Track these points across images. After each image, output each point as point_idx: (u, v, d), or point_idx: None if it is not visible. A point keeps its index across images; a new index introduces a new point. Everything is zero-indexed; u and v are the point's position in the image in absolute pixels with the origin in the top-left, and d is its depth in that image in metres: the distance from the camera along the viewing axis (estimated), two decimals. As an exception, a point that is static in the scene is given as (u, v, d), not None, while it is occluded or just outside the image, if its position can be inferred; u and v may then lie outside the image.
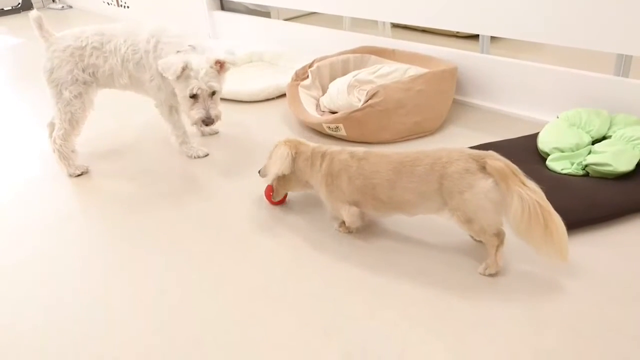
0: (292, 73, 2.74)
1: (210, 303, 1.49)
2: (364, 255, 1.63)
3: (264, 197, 1.90)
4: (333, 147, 1.70)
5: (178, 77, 1.93)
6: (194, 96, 1.97)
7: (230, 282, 1.56)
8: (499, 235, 1.46)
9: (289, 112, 2.60)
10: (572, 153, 1.92)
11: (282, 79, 2.90)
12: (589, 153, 1.91)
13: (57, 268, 1.69)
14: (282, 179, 1.77)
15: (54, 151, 2.19)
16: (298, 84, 2.65)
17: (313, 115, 2.47)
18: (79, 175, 2.21)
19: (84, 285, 1.61)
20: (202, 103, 1.99)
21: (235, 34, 3.86)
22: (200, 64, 1.94)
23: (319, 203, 1.86)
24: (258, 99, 2.87)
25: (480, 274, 1.50)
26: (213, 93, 2.01)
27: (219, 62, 2.00)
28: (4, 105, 3.15)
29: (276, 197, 1.87)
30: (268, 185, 1.86)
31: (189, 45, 2.02)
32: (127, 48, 2.08)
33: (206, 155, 2.29)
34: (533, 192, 1.35)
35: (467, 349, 1.28)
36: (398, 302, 1.43)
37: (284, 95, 2.78)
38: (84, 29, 2.14)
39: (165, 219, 1.90)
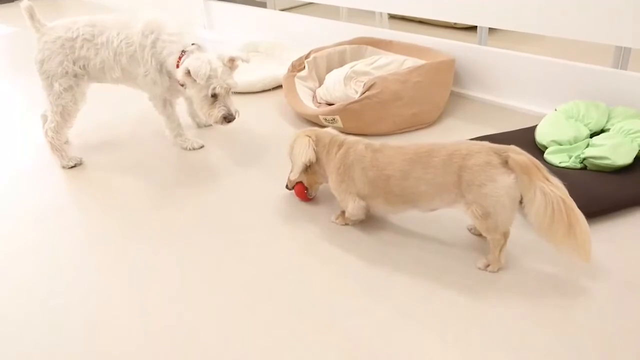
0: (288, 64, 2.72)
1: (205, 295, 1.48)
2: (361, 248, 1.62)
3: (296, 197, 1.85)
4: (351, 137, 1.68)
5: (192, 79, 1.93)
6: (214, 95, 1.98)
7: (225, 275, 1.55)
8: (506, 235, 1.45)
9: (285, 103, 2.58)
10: (570, 146, 1.91)
11: (278, 70, 2.87)
12: (587, 146, 1.90)
13: (51, 259, 1.67)
14: (309, 170, 1.72)
15: (47, 143, 2.17)
16: (294, 75, 2.63)
17: (309, 106, 2.45)
18: (72, 166, 2.19)
19: (78, 276, 1.59)
20: (222, 101, 2.00)
21: (231, 24, 3.82)
22: (217, 62, 1.95)
23: (313, 198, 1.85)
24: (254, 90, 2.85)
25: (480, 269, 1.49)
26: (228, 90, 2.02)
27: (232, 59, 2.01)
28: (-4, 96, 3.12)
29: (312, 192, 1.83)
30: (297, 185, 1.81)
31: (193, 44, 2.00)
32: (121, 41, 2.04)
33: (201, 147, 2.28)
34: (557, 187, 1.31)
35: (465, 344, 1.27)
36: (396, 297, 1.42)
37: (280, 86, 2.76)
38: (75, 19, 2.10)
39: (159, 210, 1.88)
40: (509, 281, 1.45)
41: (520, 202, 1.39)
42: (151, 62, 2.03)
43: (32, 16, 2.06)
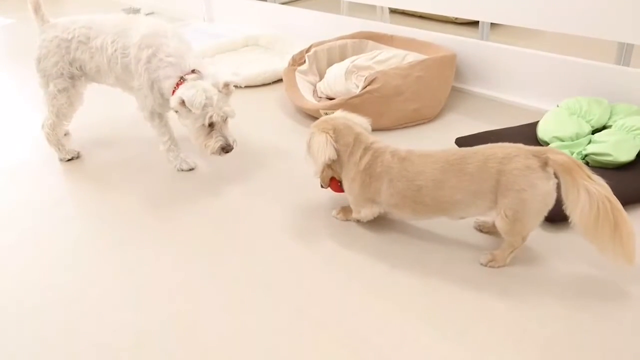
0: (288, 58, 2.70)
1: (204, 289, 1.47)
2: (362, 244, 1.61)
3: (332, 191, 1.72)
4: (377, 142, 1.56)
5: (186, 108, 1.80)
6: (211, 124, 1.86)
7: (223, 270, 1.54)
8: (524, 239, 1.43)
9: (286, 97, 2.56)
10: (572, 142, 1.90)
11: (278, 64, 2.86)
12: (589, 142, 1.89)
13: (48, 252, 1.66)
14: (332, 166, 1.60)
15: (44, 136, 2.15)
16: (295, 69, 2.62)
17: (310, 101, 2.43)
18: (69, 159, 2.18)
19: (75, 268, 1.58)
20: (218, 131, 1.87)
21: (231, 17, 3.80)
22: (212, 90, 1.83)
23: (313, 191, 1.84)
24: (254, 84, 2.83)
25: (482, 264, 1.48)
26: (225, 119, 1.90)
27: (227, 85, 1.90)
28: (-6, 87, 3.10)
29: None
30: (331, 180, 1.66)
31: (193, 71, 1.88)
32: (115, 50, 1.95)
33: (191, 170, 2.09)
34: (601, 186, 1.27)
35: (467, 341, 1.26)
36: (397, 292, 1.42)
37: (280, 80, 2.74)
38: (76, 18, 2.05)
39: (158, 205, 1.87)
40: (511, 276, 1.44)
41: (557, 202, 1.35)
42: (144, 76, 1.92)
43: (36, 10, 2.03)
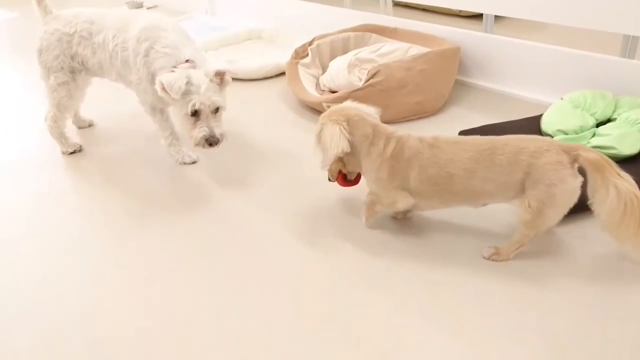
0: (291, 51, 2.69)
1: (205, 284, 1.47)
2: (362, 238, 1.61)
3: (338, 184, 1.67)
4: (396, 131, 1.52)
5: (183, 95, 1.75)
6: (195, 113, 1.77)
7: (225, 265, 1.54)
8: (537, 235, 1.43)
9: (288, 90, 2.55)
10: (576, 135, 1.89)
11: (281, 57, 2.85)
12: (593, 136, 1.88)
13: (50, 245, 1.66)
14: (342, 160, 1.56)
15: (47, 129, 2.15)
16: (298, 62, 2.61)
17: (313, 94, 2.43)
18: (72, 152, 2.18)
19: (77, 262, 1.58)
20: (204, 121, 1.78)
21: (234, 10, 3.78)
22: (200, 78, 1.76)
23: (315, 185, 1.84)
24: (256, 77, 2.82)
25: (485, 258, 1.48)
26: (216, 110, 1.82)
27: (220, 74, 1.81)
28: (-3, 81, 3.10)
29: (352, 175, 1.64)
30: (339, 174, 1.62)
31: (187, 61, 1.83)
32: (116, 45, 1.93)
33: (193, 163, 2.07)
34: (629, 183, 1.29)
35: (469, 335, 1.26)
36: (397, 287, 1.41)
37: (283, 73, 2.73)
38: (78, 12, 2.04)
39: (160, 200, 1.87)
40: (512, 270, 1.44)
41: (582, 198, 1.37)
42: (142, 70, 1.89)
43: (39, 1, 2.02)
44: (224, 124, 1.85)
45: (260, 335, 1.29)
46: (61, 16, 2.04)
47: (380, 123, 1.54)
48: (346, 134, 1.47)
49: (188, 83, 1.74)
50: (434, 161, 1.43)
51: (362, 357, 1.22)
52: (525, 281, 1.40)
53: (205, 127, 1.78)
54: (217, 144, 1.80)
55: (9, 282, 1.52)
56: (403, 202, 1.51)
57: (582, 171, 1.35)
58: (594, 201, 1.34)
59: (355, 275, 1.46)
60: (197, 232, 1.68)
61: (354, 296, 1.39)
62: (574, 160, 1.34)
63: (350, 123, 1.50)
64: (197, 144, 1.81)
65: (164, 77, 1.73)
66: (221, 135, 1.81)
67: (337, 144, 1.45)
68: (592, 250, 1.49)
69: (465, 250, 1.52)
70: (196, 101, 1.74)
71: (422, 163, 1.45)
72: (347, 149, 1.47)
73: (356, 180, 1.66)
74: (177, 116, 1.82)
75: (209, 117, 1.79)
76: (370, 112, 1.57)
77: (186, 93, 1.74)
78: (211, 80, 1.78)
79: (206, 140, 1.79)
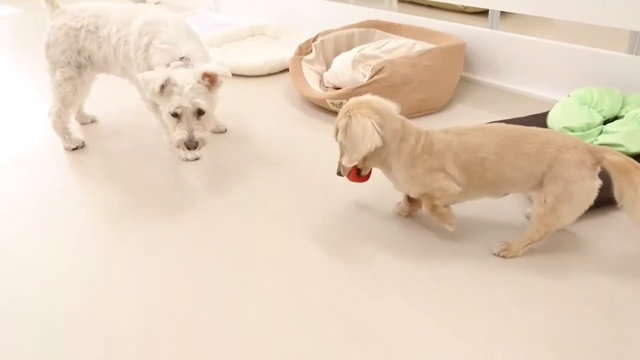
0: (295, 47, 2.68)
1: (208, 279, 1.46)
2: (368, 235, 1.59)
3: (350, 181, 1.58)
4: (420, 127, 1.47)
5: (160, 94, 1.71)
6: (176, 115, 1.73)
7: (227, 260, 1.53)
8: (548, 234, 1.42)
9: (292, 87, 2.54)
10: (583, 133, 1.87)
11: (285, 53, 2.83)
12: (600, 133, 1.86)
13: (53, 241, 1.65)
14: (373, 152, 1.44)
15: (51, 124, 2.15)
16: (301, 59, 2.60)
17: (316, 90, 2.41)
18: (74, 149, 2.17)
19: (80, 258, 1.57)
20: (185, 123, 1.73)
21: (238, 6, 3.77)
22: (187, 78, 1.71)
23: (318, 180, 1.82)
24: (260, 74, 2.81)
25: (494, 254, 1.47)
26: (200, 112, 1.76)
27: (207, 75, 1.75)
28: (0, 76, 3.09)
29: (365, 171, 1.54)
30: (352, 170, 1.53)
31: (182, 58, 1.79)
32: (119, 39, 1.93)
33: (196, 159, 2.04)
34: None
35: (476, 333, 1.25)
36: (404, 284, 1.40)
37: (286, 70, 2.72)
38: (85, 6, 2.03)
39: (162, 194, 1.86)
40: (520, 268, 1.42)
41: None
42: (143, 65, 1.88)
43: None
44: (225, 121, 1.84)
45: (265, 331, 1.28)
46: (68, 10, 2.03)
47: (405, 118, 1.48)
48: (378, 128, 1.39)
49: (172, 84, 1.70)
50: (465, 147, 1.41)
51: (368, 353, 1.21)
52: (534, 278, 1.38)
53: (185, 130, 1.74)
54: (195, 148, 1.76)
55: (13, 278, 1.51)
56: (450, 184, 1.42)
57: (601, 175, 1.35)
58: (623, 203, 1.35)
59: (360, 272, 1.45)
60: (199, 228, 1.67)
61: (360, 292, 1.38)
62: (598, 162, 1.34)
63: (382, 117, 1.41)
64: (176, 146, 1.78)
65: (142, 75, 1.72)
66: (201, 139, 1.76)
67: (371, 138, 1.37)
68: (602, 248, 1.48)
69: (471, 247, 1.50)
70: (175, 103, 1.70)
71: (455, 151, 1.41)
72: (379, 144, 1.38)
73: (367, 175, 1.58)
74: (163, 115, 1.79)
75: (190, 119, 1.74)
76: (392, 106, 1.49)
77: (169, 93, 1.71)
78: (198, 82, 1.73)
79: (184, 143, 1.75)
